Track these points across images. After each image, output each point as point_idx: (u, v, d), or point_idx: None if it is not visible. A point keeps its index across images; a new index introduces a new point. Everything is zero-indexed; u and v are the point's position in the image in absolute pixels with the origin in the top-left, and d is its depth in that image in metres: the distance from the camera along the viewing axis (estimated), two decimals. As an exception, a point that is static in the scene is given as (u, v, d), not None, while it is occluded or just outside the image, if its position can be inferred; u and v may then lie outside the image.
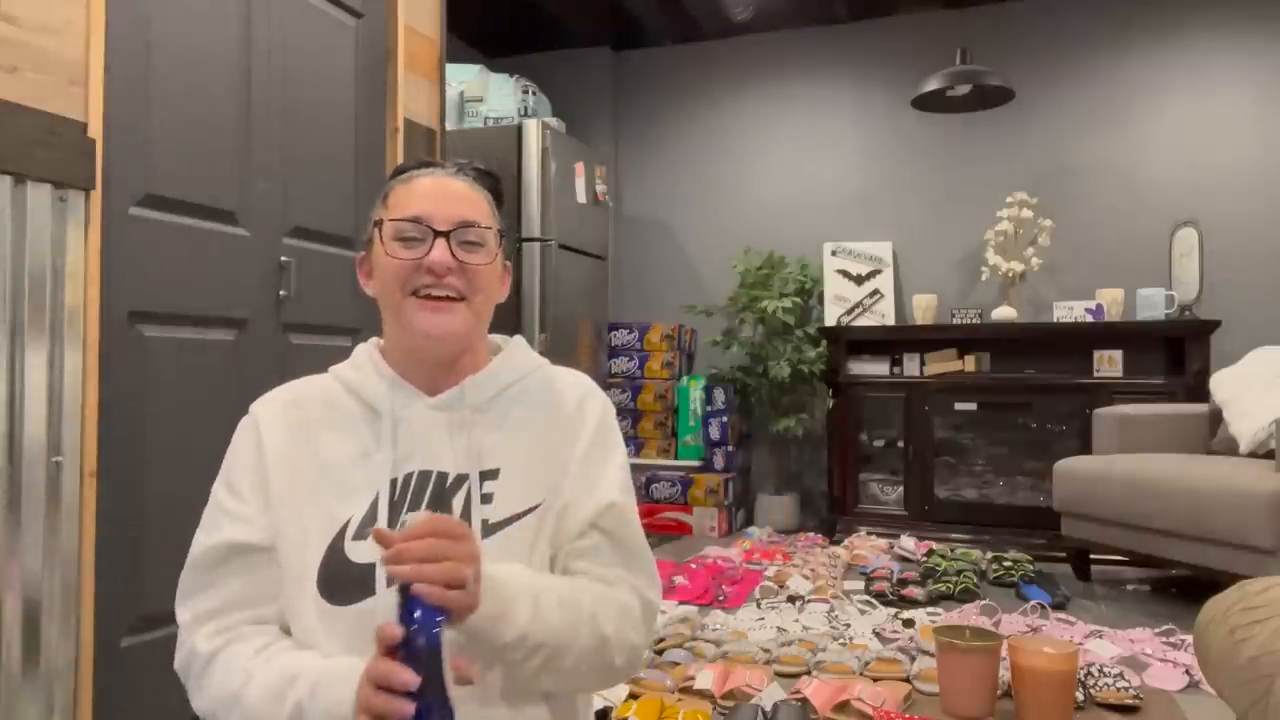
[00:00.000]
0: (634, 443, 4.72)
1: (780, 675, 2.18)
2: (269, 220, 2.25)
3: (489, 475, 0.98)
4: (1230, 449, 3.19)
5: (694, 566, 3.37)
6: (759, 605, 2.89)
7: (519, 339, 1.11)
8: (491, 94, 4.15)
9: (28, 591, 1.63)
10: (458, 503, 0.97)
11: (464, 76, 4.16)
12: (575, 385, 1.08)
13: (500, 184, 1.08)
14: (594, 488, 1.01)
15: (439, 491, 0.97)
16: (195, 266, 2.03)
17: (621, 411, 4.70)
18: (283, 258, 2.28)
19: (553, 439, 1.02)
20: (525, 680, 0.91)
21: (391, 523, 0.95)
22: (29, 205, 1.64)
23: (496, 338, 1.11)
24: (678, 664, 2.23)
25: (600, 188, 4.34)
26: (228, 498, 0.99)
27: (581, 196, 4.15)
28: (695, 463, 4.58)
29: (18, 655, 1.61)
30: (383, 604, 0.91)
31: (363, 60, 2.60)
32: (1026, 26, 4.45)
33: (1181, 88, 4.22)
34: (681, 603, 2.92)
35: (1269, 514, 2.57)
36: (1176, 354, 3.96)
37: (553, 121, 4.07)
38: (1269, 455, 2.93)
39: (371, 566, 0.93)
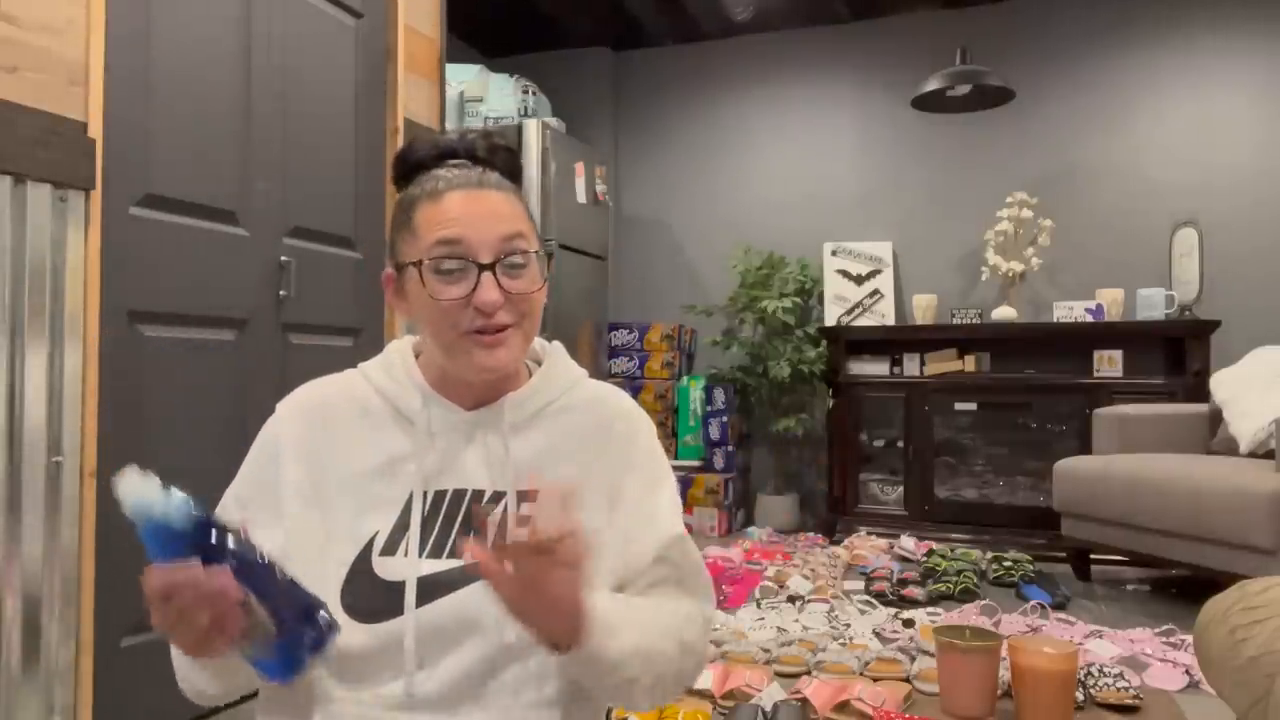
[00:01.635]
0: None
1: (780, 675, 2.18)
2: (269, 220, 2.25)
3: (526, 497, 0.94)
4: (1230, 449, 3.19)
5: (694, 566, 3.37)
6: (759, 605, 2.89)
7: (558, 347, 1.06)
8: (491, 94, 4.15)
9: (28, 591, 1.63)
10: (492, 524, 0.92)
11: (464, 76, 4.16)
12: (616, 405, 1.05)
13: (516, 157, 1.02)
14: (656, 520, 0.99)
15: (472, 511, 0.94)
16: (195, 266, 2.03)
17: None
18: (283, 258, 2.28)
19: (598, 462, 0.99)
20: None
21: (424, 540, 0.91)
22: (29, 205, 1.64)
23: (535, 342, 1.06)
24: (678, 664, 2.22)
25: (600, 188, 4.34)
26: (235, 508, 0.96)
27: (581, 196, 4.15)
28: (695, 463, 4.57)
29: (18, 655, 1.61)
30: (412, 624, 0.88)
31: (363, 60, 2.60)
32: (1026, 26, 4.45)
33: (1181, 88, 4.22)
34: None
35: (1269, 514, 2.57)
36: (1176, 354, 3.96)
37: (553, 121, 4.07)
38: (1269, 455, 2.93)
39: (401, 585, 0.89)
